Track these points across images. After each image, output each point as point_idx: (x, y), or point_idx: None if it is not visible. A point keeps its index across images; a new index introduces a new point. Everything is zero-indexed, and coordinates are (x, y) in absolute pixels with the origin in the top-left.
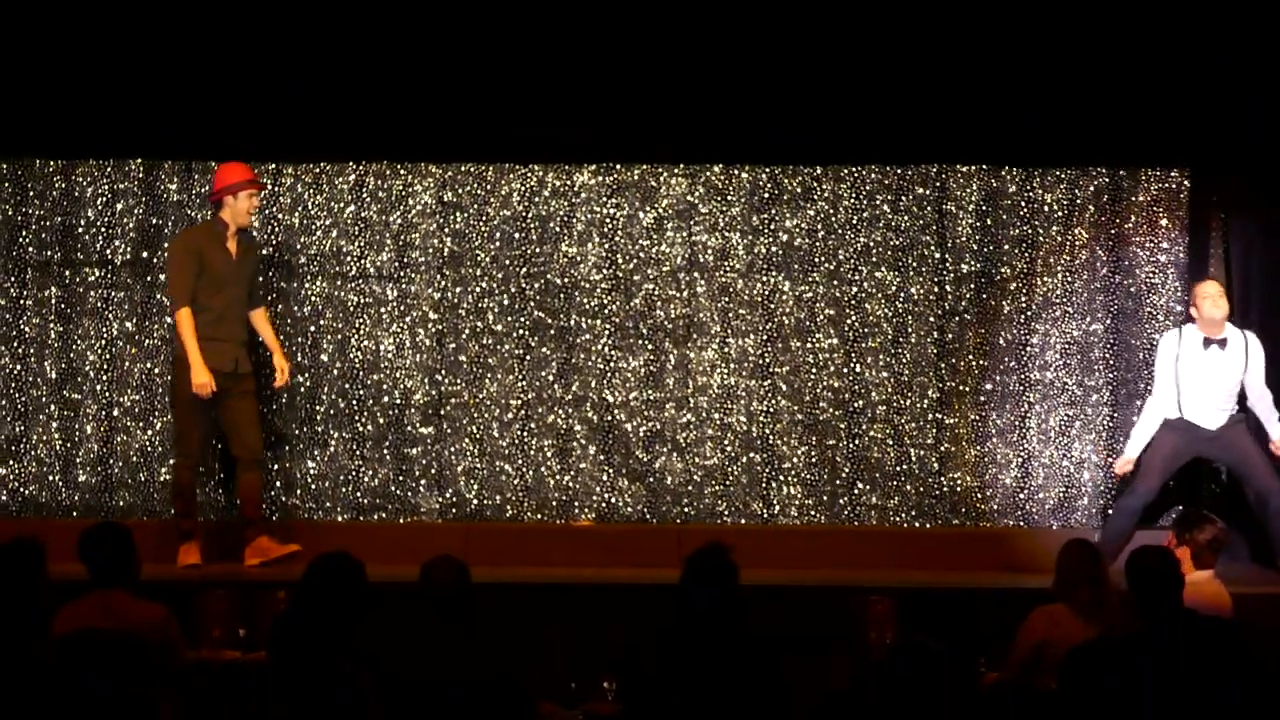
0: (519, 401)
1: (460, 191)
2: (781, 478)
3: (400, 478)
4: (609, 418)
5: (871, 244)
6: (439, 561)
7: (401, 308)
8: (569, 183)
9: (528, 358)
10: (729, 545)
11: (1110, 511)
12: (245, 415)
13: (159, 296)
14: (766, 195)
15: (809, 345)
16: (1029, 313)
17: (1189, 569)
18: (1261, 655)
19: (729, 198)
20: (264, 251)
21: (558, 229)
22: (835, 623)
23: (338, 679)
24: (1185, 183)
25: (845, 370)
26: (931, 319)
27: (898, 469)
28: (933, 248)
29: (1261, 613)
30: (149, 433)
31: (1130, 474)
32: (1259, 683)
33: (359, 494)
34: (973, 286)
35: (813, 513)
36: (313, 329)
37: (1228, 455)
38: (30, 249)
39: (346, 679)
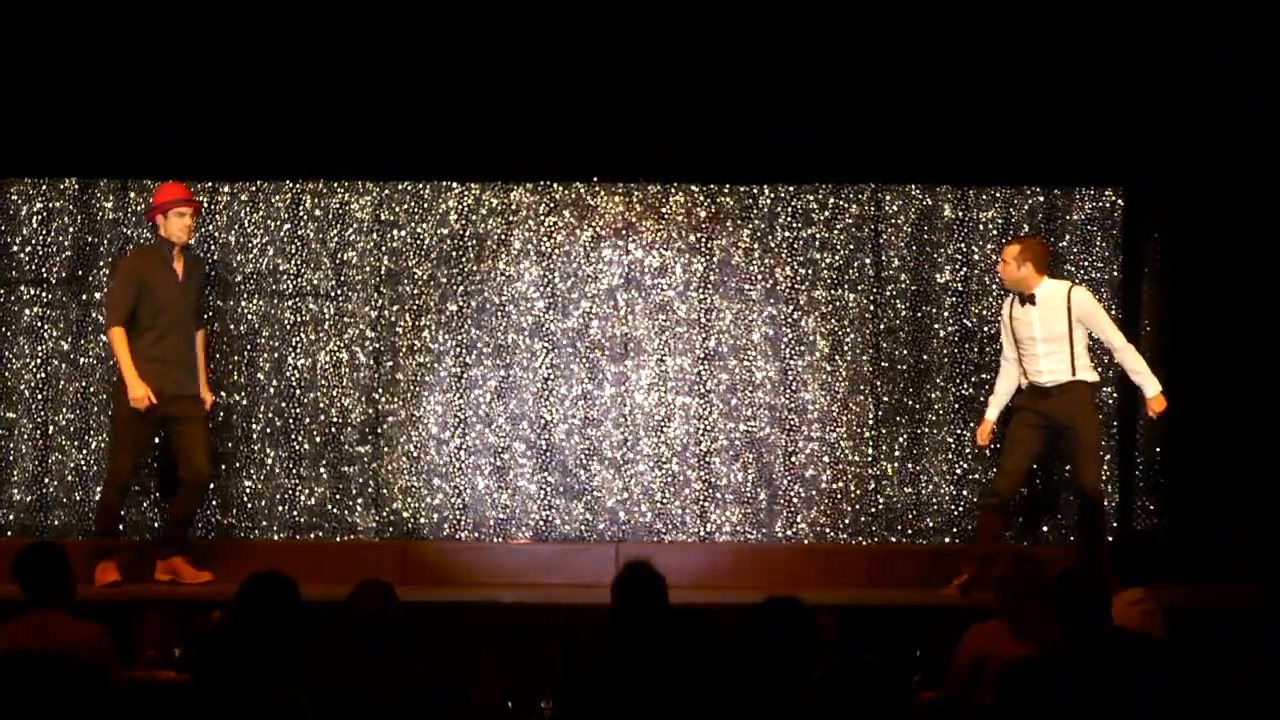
0: (456, 419)
1: (397, 209)
2: (719, 495)
3: (337, 496)
4: (546, 436)
5: (808, 262)
6: (365, 586)
7: (338, 326)
8: (506, 201)
9: (465, 376)
10: (647, 560)
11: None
12: (193, 439)
13: (94, 315)
14: (703, 214)
15: (745, 363)
16: (964, 331)
17: (1116, 585)
18: (1195, 672)
19: (666, 216)
20: (206, 270)
21: (495, 247)
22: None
23: (273, 702)
24: (1119, 202)
25: (782, 388)
26: (867, 337)
27: (834, 486)
28: (868, 266)
29: (1197, 630)
30: (84, 452)
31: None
32: (1187, 701)
33: (295, 513)
34: (908, 304)
35: (750, 530)
36: (249, 347)
37: (1066, 444)
38: None
39: (283, 702)
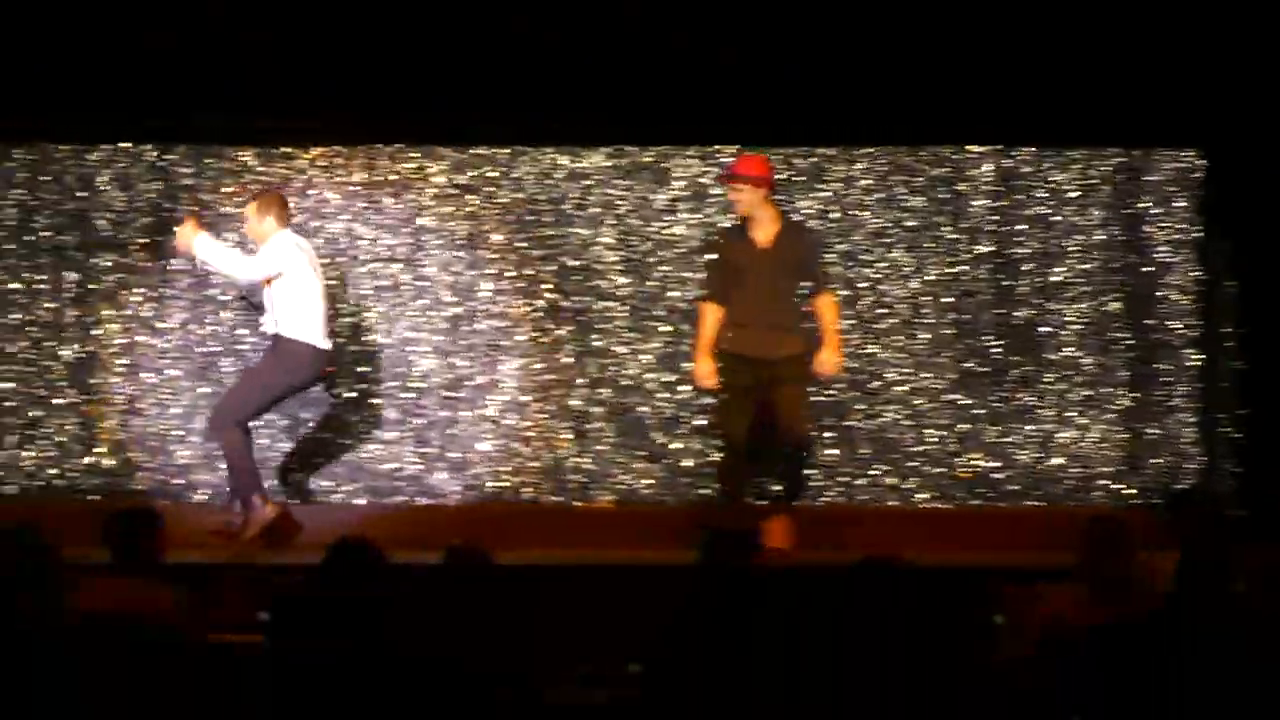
0: (535, 384)
1: (474, 175)
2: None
3: (417, 459)
4: (626, 400)
5: (886, 225)
6: (460, 545)
7: (416, 290)
8: (582, 165)
9: (544, 340)
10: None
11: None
12: (785, 402)
13: (175, 280)
14: (779, 176)
15: None
16: (1045, 293)
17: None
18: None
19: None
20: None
21: (571, 211)
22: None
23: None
24: (1200, 162)
25: (861, 351)
26: (947, 300)
27: (915, 450)
28: (947, 229)
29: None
30: (166, 417)
31: None
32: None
33: (376, 477)
34: (988, 267)
35: (831, 494)
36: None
37: None
38: (45, 234)
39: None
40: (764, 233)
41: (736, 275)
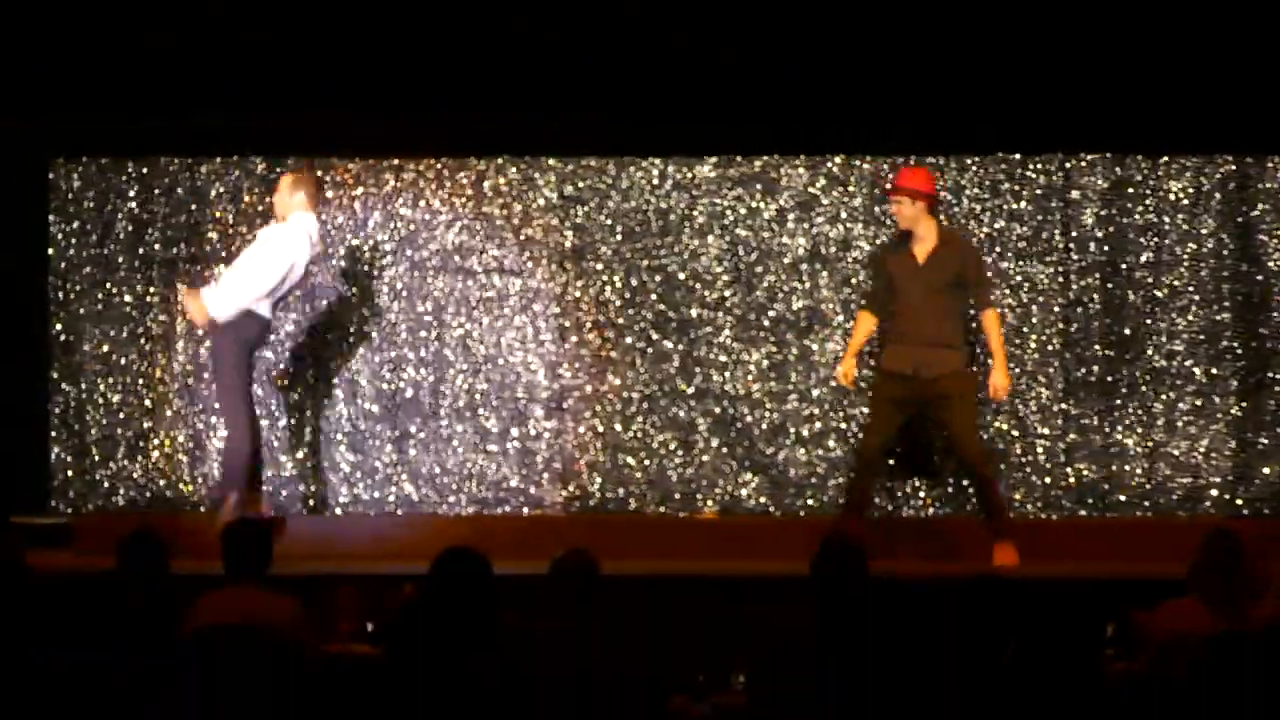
0: (640, 394)
1: (581, 185)
2: (905, 468)
3: (523, 470)
4: (731, 410)
5: (995, 233)
6: (568, 555)
7: (523, 301)
8: (689, 175)
9: (650, 350)
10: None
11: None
12: (953, 423)
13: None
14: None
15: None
16: (1155, 302)
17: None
18: None
19: (850, 188)
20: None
21: (678, 222)
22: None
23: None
24: None
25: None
26: (1056, 308)
27: (1023, 460)
28: (1057, 237)
29: None
30: (276, 429)
31: None
32: None
33: (482, 487)
34: (1098, 276)
35: (936, 503)
36: (436, 323)
37: None
38: (156, 246)
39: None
40: (923, 247)
41: (895, 289)
